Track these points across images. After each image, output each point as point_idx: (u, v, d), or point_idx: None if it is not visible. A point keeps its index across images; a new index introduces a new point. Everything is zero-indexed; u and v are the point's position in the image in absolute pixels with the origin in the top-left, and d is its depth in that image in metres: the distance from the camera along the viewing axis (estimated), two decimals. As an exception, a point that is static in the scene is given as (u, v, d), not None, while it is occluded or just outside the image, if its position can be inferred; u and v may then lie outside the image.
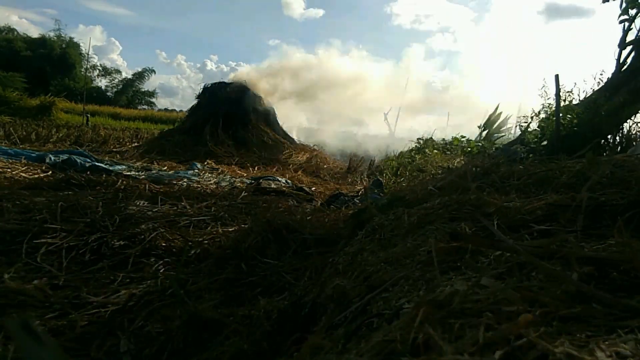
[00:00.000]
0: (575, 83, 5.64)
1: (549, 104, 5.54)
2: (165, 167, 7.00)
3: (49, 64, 30.18)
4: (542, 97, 5.61)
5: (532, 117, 5.69)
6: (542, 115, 5.56)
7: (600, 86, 5.22)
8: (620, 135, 4.88)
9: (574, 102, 5.28)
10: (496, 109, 13.10)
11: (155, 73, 39.57)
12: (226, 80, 11.74)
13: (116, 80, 36.84)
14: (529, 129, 5.71)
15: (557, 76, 4.95)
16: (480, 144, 9.56)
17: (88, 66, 31.11)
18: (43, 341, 0.37)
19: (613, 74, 5.11)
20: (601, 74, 5.40)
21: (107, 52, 72.30)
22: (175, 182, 5.24)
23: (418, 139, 11.26)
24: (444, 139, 11.41)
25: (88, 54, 29.74)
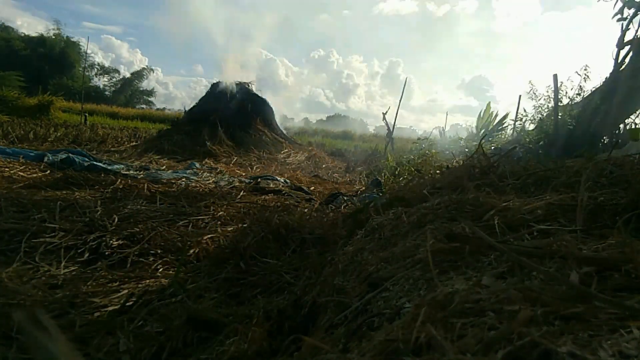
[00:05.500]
0: (571, 81, 5.65)
1: (542, 104, 5.57)
2: (164, 167, 6.98)
3: (48, 63, 30.07)
4: (532, 99, 5.64)
5: (528, 117, 5.72)
6: (539, 116, 5.58)
7: (598, 86, 5.23)
8: (617, 134, 4.89)
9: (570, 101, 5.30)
10: (488, 107, 12.88)
11: (153, 71, 39.48)
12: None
13: (115, 79, 36.80)
14: (525, 129, 5.73)
15: (555, 76, 4.96)
16: (475, 143, 9.55)
17: (86, 65, 31.01)
18: (51, 334, 0.37)
19: (611, 73, 5.12)
20: (585, 69, 5.42)
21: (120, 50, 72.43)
22: (173, 182, 5.22)
23: (417, 138, 11.27)
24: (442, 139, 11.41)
25: (86, 53, 29.68)
